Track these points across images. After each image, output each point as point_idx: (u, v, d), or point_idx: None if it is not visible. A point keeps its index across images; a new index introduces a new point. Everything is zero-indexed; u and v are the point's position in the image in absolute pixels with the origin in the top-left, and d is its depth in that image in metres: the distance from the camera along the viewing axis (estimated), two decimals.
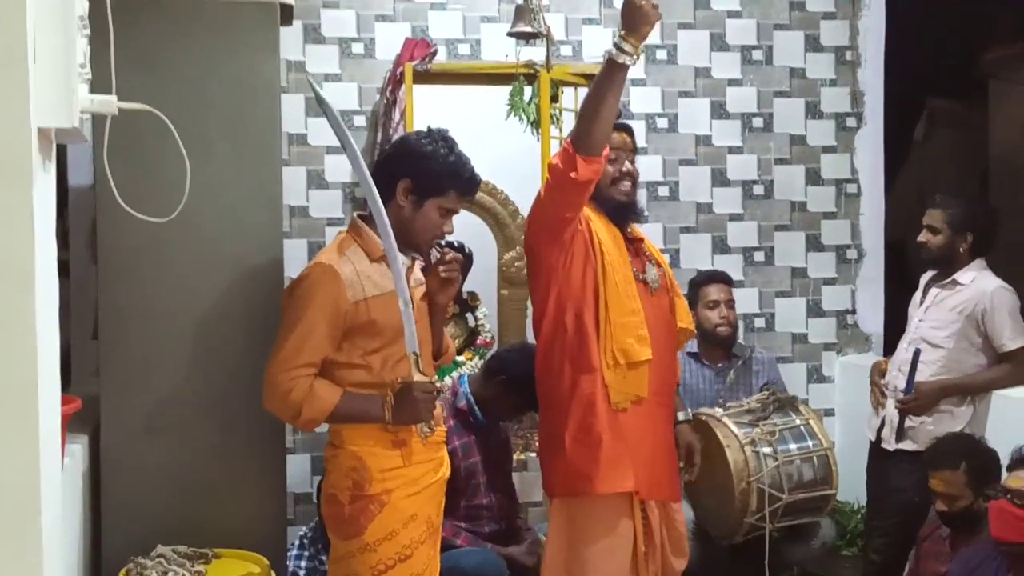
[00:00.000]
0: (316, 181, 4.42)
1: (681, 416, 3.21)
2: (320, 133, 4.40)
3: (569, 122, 4.42)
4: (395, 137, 4.00)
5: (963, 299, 3.68)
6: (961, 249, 3.72)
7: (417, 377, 2.55)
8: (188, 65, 3.12)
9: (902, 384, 3.71)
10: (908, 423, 3.72)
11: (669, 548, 3.08)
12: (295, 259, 4.26)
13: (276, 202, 3.28)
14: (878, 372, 3.92)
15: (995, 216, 3.86)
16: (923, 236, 3.77)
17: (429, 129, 2.72)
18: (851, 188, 4.87)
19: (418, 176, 2.63)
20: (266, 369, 2.56)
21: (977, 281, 3.68)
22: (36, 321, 1.74)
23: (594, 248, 2.91)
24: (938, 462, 3.22)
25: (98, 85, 2.21)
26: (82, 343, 3.52)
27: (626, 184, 3.04)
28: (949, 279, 3.73)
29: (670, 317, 3.10)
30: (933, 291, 3.79)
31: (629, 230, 3.12)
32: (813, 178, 4.84)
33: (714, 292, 4.24)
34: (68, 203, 3.74)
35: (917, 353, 3.66)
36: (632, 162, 3.07)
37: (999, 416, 3.62)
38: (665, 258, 3.26)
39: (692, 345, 4.22)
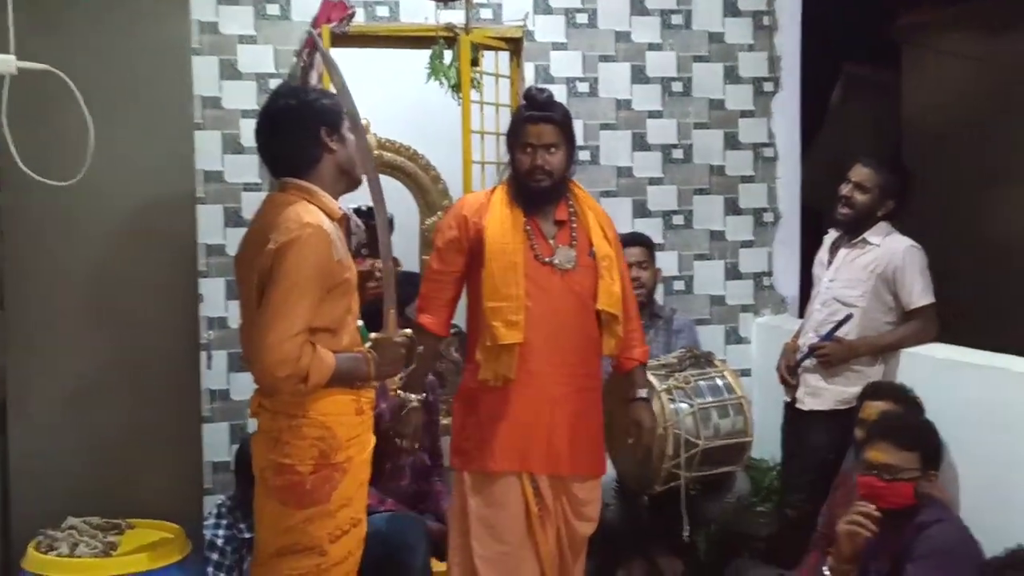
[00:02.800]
0: (232, 146, 4.32)
1: (639, 393, 3.32)
2: (235, 96, 4.30)
3: (489, 86, 4.41)
4: None
5: (874, 257, 3.74)
6: (880, 212, 3.78)
7: (393, 332, 2.67)
8: (94, 25, 3.05)
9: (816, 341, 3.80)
10: (818, 382, 3.80)
11: (571, 514, 3.16)
12: (210, 225, 4.20)
13: (188, 167, 3.22)
14: (789, 347, 3.98)
15: (914, 185, 3.92)
16: (847, 191, 3.80)
17: (276, 89, 2.83)
18: (768, 152, 4.90)
19: (325, 117, 2.64)
20: (263, 338, 2.44)
21: (888, 240, 3.75)
22: None
23: (476, 244, 3.09)
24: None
25: None
26: None
27: (539, 176, 3.09)
28: (859, 239, 3.80)
29: (585, 298, 3.13)
30: (843, 251, 3.85)
31: (554, 211, 3.17)
32: (731, 142, 4.86)
33: (628, 255, 4.27)
34: None
35: (848, 317, 3.73)
36: (553, 154, 3.10)
37: (905, 374, 3.70)
38: (611, 236, 3.27)
39: None
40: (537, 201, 3.13)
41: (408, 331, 2.77)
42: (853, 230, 3.83)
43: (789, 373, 3.89)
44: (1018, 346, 3.61)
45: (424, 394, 3.16)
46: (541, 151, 3.08)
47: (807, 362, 3.82)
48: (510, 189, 3.17)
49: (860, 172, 3.80)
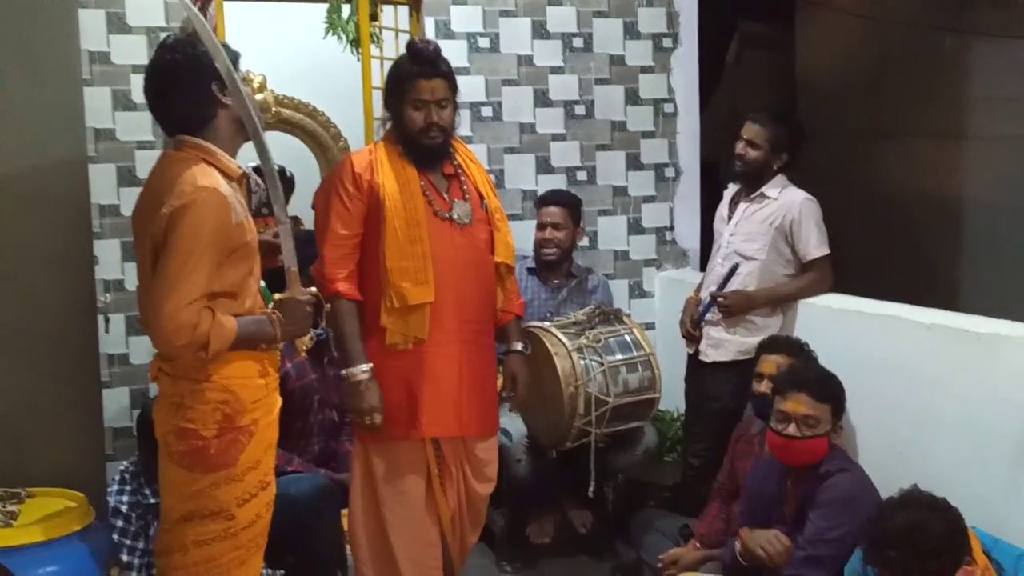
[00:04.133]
0: (123, 102, 4.20)
1: (515, 346, 3.26)
2: (125, 50, 4.17)
3: (389, 41, 4.35)
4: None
5: (772, 211, 3.82)
6: (775, 166, 3.86)
7: (297, 292, 2.59)
8: None
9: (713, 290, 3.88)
10: (719, 334, 3.88)
11: (472, 475, 3.16)
12: (102, 185, 4.09)
13: (78, 125, 3.11)
14: (690, 302, 4.05)
15: (806, 137, 4.00)
16: (741, 148, 3.88)
17: (164, 42, 2.59)
18: (668, 108, 4.97)
19: (216, 73, 2.50)
20: (159, 306, 2.36)
21: (784, 194, 3.84)
22: None
23: (377, 200, 2.99)
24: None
25: None
26: None
27: (433, 133, 3.02)
28: (757, 193, 3.88)
29: (484, 251, 3.11)
30: (742, 206, 3.93)
31: (442, 166, 3.11)
32: (632, 98, 4.91)
33: (544, 214, 4.31)
34: None
35: (735, 267, 3.81)
36: (444, 108, 3.02)
37: (803, 324, 3.80)
38: (492, 188, 3.23)
39: (533, 261, 4.34)
40: (432, 158, 3.07)
41: (313, 289, 2.73)
42: (750, 184, 3.91)
43: (692, 327, 3.97)
44: (908, 295, 3.72)
45: (371, 364, 2.97)
46: (434, 107, 3.00)
47: (708, 315, 3.90)
48: (398, 146, 3.07)
49: (751, 129, 3.87)
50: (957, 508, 2.59)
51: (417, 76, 3.00)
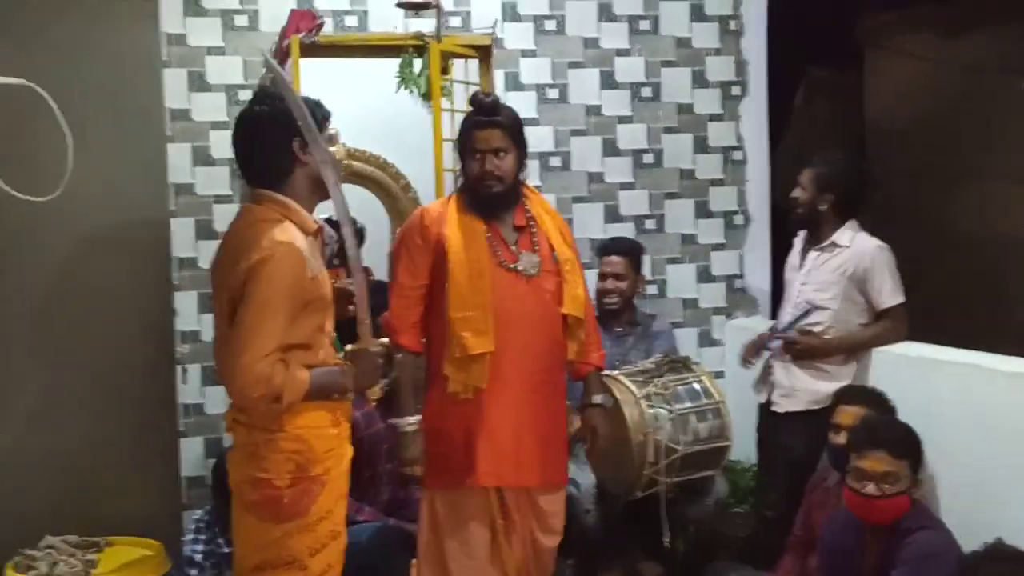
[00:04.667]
0: (202, 158, 4.27)
1: (595, 399, 3.25)
2: (204, 108, 4.26)
3: (460, 93, 4.41)
4: None
5: (844, 260, 3.78)
6: (822, 208, 3.82)
7: (368, 343, 2.62)
8: (63, 39, 3.04)
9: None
10: (791, 383, 3.83)
11: (536, 527, 3.13)
12: (182, 238, 4.15)
13: (160, 179, 3.21)
14: (758, 339, 4.01)
15: (859, 176, 3.94)
16: (795, 192, 3.89)
17: (255, 94, 2.70)
18: (737, 155, 4.95)
19: (298, 132, 2.55)
20: (236, 359, 2.42)
21: (856, 242, 3.79)
22: None
23: (443, 251, 3.02)
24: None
25: None
26: None
27: (489, 182, 3.05)
28: (828, 242, 3.83)
29: (550, 303, 3.10)
30: (812, 254, 3.89)
31: (512, 217, 3.12)
32: (700, 146, 4.89)
33: (605, 263, 4.30)
34: None
35: (809, 310, 3.77)
36: (501, 158, 3.04)
37: (877, 372, 3.73)
38: (569, 239, 3.23)
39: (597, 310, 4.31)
40: (492, 207, 3.08)
41: (384, 340, 2.76)
42: (804, 227, 3.89)
43: (751, 354, 3.95)
44: (985, 342, 3.64)
45: (419, 416, 3.03)
46: (490, 156, 3.03)
47: (772, 344, 3.86)
48: (464, 197, 3.12)
49: (804, 174, 3.88)
50: None
51: (474, 127, 3.07)
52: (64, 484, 3.05)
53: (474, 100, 3.15)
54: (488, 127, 3.05)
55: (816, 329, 3.78)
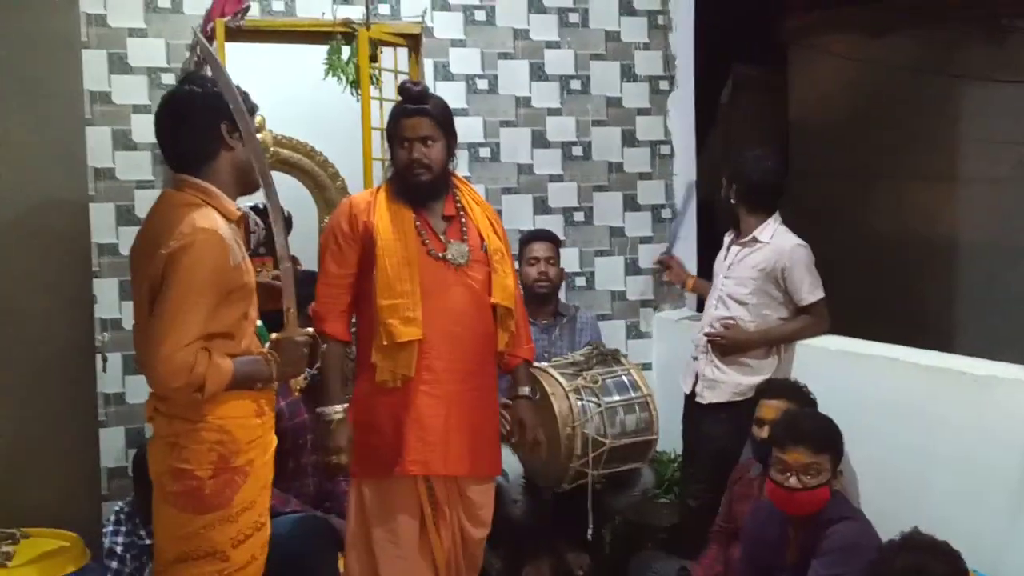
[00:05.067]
0: (123, 142, 4.21)
1: (522, 391, 3.26)
2: (126, 91, 4.20)
3: (388, 82, 4.38)
4: None
5: (763, 257, 3.83)
6: (732, 199, 3.90)
7: (294, 331, 2.61)
8: None
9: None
10: (715, 375, 3.89)
11: (465, 519, 3.14)
12: (102, 224, 4.09)
13: (80, 164, 3.13)
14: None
15: (771, 171, 3.96)
16: (724, 189, 3.98)
17: (184, 76, 2.66)
18: (664, 149, 5.00)
19: (228, 114, 2.54)
20: (155, 348, 2.37)
21: (776, 239, 3.85)
22: None
23: (367, 242, 3.02)
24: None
25: None
26: None
27: (417, 170, 3.05)
28: (749, 236, 3.89)
29: (480, 293, 3.11)
30: (734, 249, 3.95)
31: (441, 206, 3.12)
32: (629, 139, 4.93)
33: (536, 249, 4.31)
34: None
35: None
36: (430, 146, 3.05)
37: (800, 366, 3.80)
38: (500, 230, 3.22)
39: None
40: (421, 196, 3.08)
41: (310, 330, 2.74)
42: (734, 225, 3.96)
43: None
44: (901, 337, 3.73)
45: (346, 404, 3.01)
46: (418, 144, 3.03)
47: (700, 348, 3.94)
48: (394, 186, 3.11)
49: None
50: (958, 550, 2.58)
51: (402, 115, 3.07)
52: None
53: (402, 89, 3.15)
54: (416, 115, 3.05)
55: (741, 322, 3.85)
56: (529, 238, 4.38)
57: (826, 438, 3.05)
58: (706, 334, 3.90)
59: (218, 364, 2.43)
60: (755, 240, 3.87)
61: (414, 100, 3.08)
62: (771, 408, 3.39)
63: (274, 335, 2.63)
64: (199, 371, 2.39)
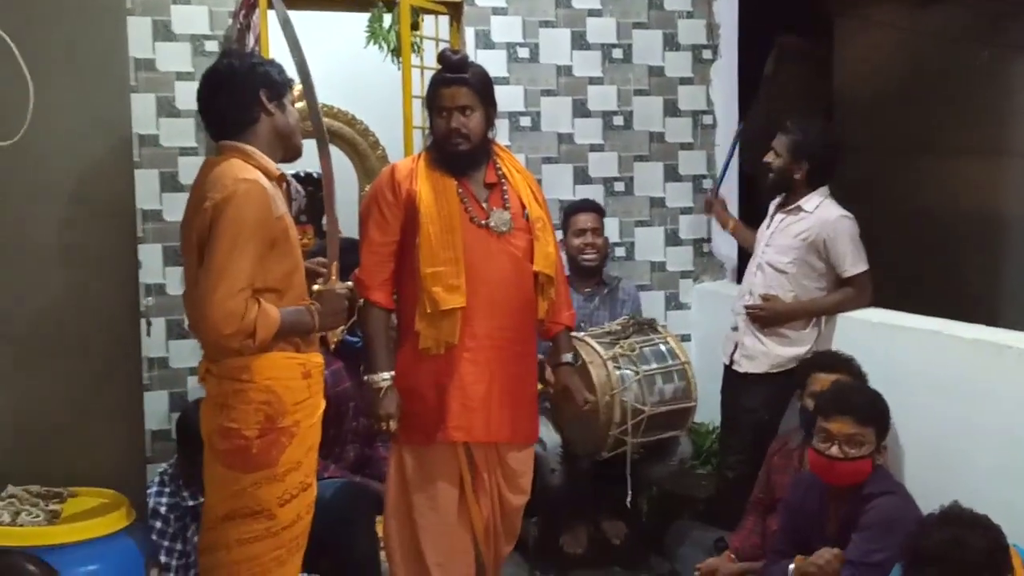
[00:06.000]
0: (166, 109, 4.26)
1: (564, 358, 3.27)
2: (170, 58, 4.23)
3: (430, 50, 4.38)
4: None
5: (807, 226, 3.82)
6: (797, 176, 3.86)
7: (335, 284, 2.68)
8: None
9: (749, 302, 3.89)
10: (754, 345, 3.88)
11: (505, 486, 3.17)
12: (146, 191, 4.14)
13: (124, 130, 3.15)
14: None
15: (834, 146, 3.98)
16: (768, 157, 3.93)
17: (225, 52, 2.73)
18: (707, 120, 4.98)
19: (267, 83, 2.67)
20: (207, 296, 2.43)
21: (820, 209, 3.83)
22: None
23: (414, 208, 3.03)
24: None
25: None
26: None
27: (455, 140, 3.05)
28: (794, 205, 3.88)
29: (523, 260, 3.11)
30: (778, 216, 3.94)
31: (483, 174, 3.13)
32: (671, 109, 4.92)
33: (582, 220, 4.30)
34: None
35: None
36: (469, 115, 3.05)
37: (841, 338, 3.79)
38: (540, 198, 3.24)
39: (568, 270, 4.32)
40: (461, 165, 3.09)
41: (350, 283, 2.79)
42: (787, 195, 3.92)
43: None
44: (948, 310, 3.70)
45: (392, 372, 3.05)
46: (456, 113, 3.04)
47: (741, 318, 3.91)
48: (433, 154, 3.12)
49: (777, 139, 3.92)
50: (998, 525, 2.57)
51: (441, 84, 3.08)
52: (27, 436, 3.01)
53: (442, 57, 3.15)
54: (455, 84, 3.05)
55: (773, 293, 3.83)
56: (574, 209, 4.37)
57: (872, 411, 3.05)
58: (746, 307, 3.89)
59: (267, 311, 2.49)
60: (799, 209, 3.85)
61: (453, 69, 3.08)
62: (824, 381, 3.36)
63: (316, 287, 2.69)
64: (250, 318, 2.45)
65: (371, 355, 3.07)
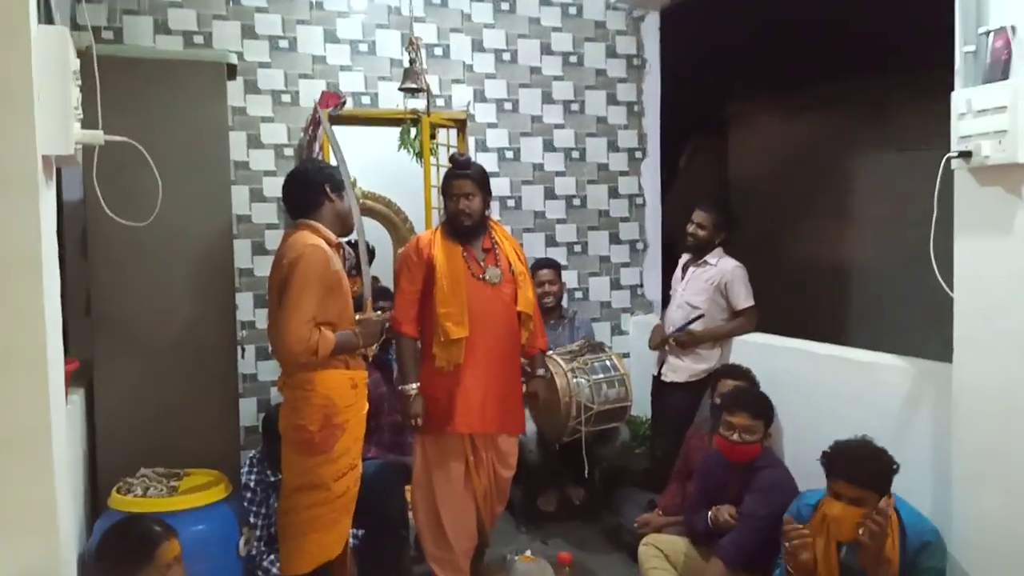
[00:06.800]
0: (257, 196, 4.28)
1: (538, 372, 3.28)
2: (259, 161, 4.27)
3: (444, 155, 4.44)
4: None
5: (712, 274, 3.84)
6: (717, 242, 3.88)
7: (371, 314, 2.72)
8: (158, 109, 3.00)
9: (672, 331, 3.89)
10: (676, 361, 3.89)
11: (498, 463, 3.17)
12: (242, 254, 4.16)
13: (226, 212, 3.18)
14: (657, 330, 4.06)
15: (737, 219, 4.03)
16: (692, 229, 3.89)
17: (303, 159, 2.77)
18: (639, 200, 5.02)
19: (328, 180, 2.70)
20: (284, 325, 2.46)
21: (722, 261, 3.85)
22: (44, 301, 1.66)
23: (431, 266, 3.05)
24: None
25: (88, 124, 2.11)
26: (76, 319, 3.33)
27: (462, 218, 3.08)
28: (702, 260, 3.90)
29: (510, 303, 3.12)
30: (691, 269, 3.95)
31: (481, 242, 3.13)
32: (613, 193, 4.95)
33: (541, 275, 4.29)
34: (63, 212, 3.53)
35: (699, 317, 3.83)
36: (471, 200, 3.07)
37: (736, 355, 3.80)
38: (522, 258, 3.25)
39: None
40: (466, 235, 3.10)
41: (380, 313, 2.81)
42: (698, 254, 3.94)
43: (658, 345, 3.98)
44: (811, 333, 3.72)
45: (419, 383, 3.05)
46: (463, 199, 3.07)
47: (672, 338, 3.89)
48: (446, 228, 3.13)
49: (699, 215, 3.90)
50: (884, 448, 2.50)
51: (452, 177, 3.11)
52: (155, 430, 3.01)
53: (452, 159, 3.20)
54: (462, 178, 3.09)
55: (695, 327, 3.84)
56: (536, 266, 4.36)
57: (762, 408, 3.07)
58: (675, 339, 3.87)
59: (326, 335, 2.52)
60: (706, 263, 3.87)
61: (461, 167, 3.12)
62: (729, 386, 3.38)
63: (358, 316, 2.70)
64: (313, 340, 2.48)
65: (403, 371, 3.09)
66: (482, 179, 3.13)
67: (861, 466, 2.42)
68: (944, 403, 2.62)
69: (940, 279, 2.40)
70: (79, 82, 1.98)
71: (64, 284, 2.04)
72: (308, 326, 2.47)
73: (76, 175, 3.40)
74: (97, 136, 2.08)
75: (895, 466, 2.45)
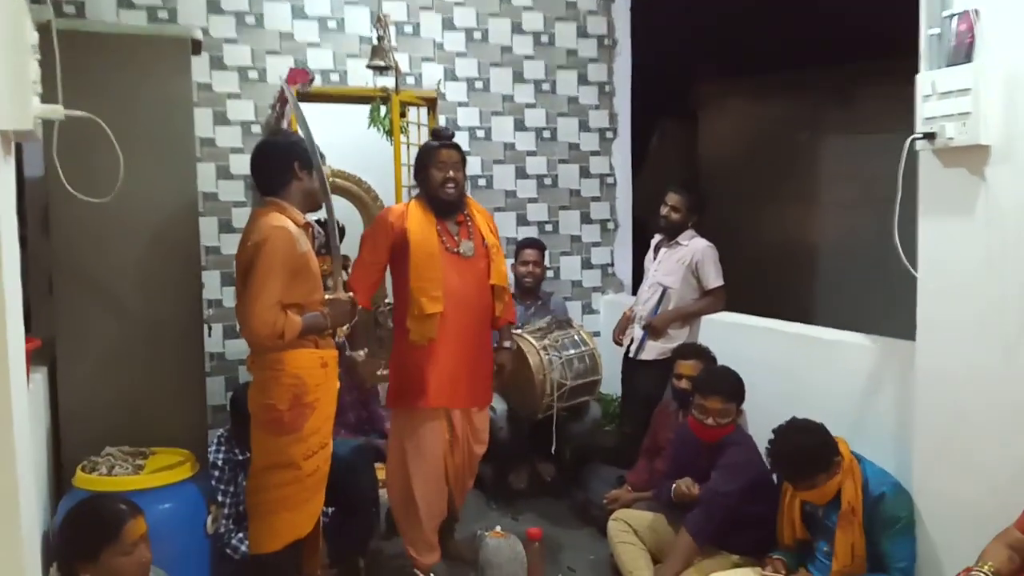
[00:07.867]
0: (223, 173, 4.23)
1: (505, 344, 3.27)
2: (225, 138, 4.21)
3: (414, 133, 4.40)
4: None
5: (684, 253, 3.87)
6: (690, 224, 3.90)
7: (341, 295, 2.67)
8: (121, 85, 2.93)
9: (646, 314, 3.91)
10: (646, 341, 3.92)
11: (471, 438, 3.17)
12: (208, 232, 4.11)
13: (191, 189, 3.13)
14: (625, 316, 4.08)
15: (708, 203, 4.05)
16: (666, 212, 3.91)
17: (273, 131, 2.71)
18: (610, 180, 5.03)
19: (298, 155, 2.63)
20: (249, 309, 2.43)
21: (693, 241, 3.89)
22: (3, 279, 1.62)
23: (404, 239, 3.01)
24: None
25: (48, 98, 2.05)
26: (39, 298, 3.27)
27: (449, 187, 3.05)
28: (674, 241, 3.93)
29: (483, 276, 3.11)
30: (663, 250, 3.98)
31: (456, 216, 3.11)
32: (585, 173, 4.96)
33: (527, 254, 4.29)
34: (24, 190, 3.44)
35: (664, 292, 3.84)
36: (457, 171, 3.04)
37: (704, 334, 3.84)
38: (494, 230, 3.23)
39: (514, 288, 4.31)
40: (448, 207, 3.08)
41: (351, 294, 2.76)
42: (671, 235, 3.96)
43: (619, 335, 4.00)
44: (784, 314, 3.76)
45: (366, 349, 3.05)
46: (451, 168, 3.04)
47: (640, 323, 3.92)
48: (423, 202, 3.10)
49: (673, 198, 3.92)
50: (822, 424, 2.63)
51: (439, 147, 3.07)
52: (121, 409, 2.97)
53: (436, 132, 3.17)
54: (450, 148, 3.07)
55: (664, 303, 3.86)
56: (523, 245, 4.35)
57: (735, 391, 3.09)
58: (643, 327, 3.89)
59: (292, 318, 2.48)
60: (678, 243, 3.90)
61: (449, 138, 3.10)
62: (687, 366, 3.40)
63: (327, 296, 2.65)
64: (279, 323, 2.44)
65: (354, 339, 3.08)
66: (463, 155, 3.13)
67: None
68: (907, 380, 2.68)
69: (904, 260, 2.43)
70: (38, 56, 1.92)
71: (25, 262, 1.99)
72: (273, 310, 2.43)
73: (39, 152, 3.32)
74: (57, 111, 2.02)
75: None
